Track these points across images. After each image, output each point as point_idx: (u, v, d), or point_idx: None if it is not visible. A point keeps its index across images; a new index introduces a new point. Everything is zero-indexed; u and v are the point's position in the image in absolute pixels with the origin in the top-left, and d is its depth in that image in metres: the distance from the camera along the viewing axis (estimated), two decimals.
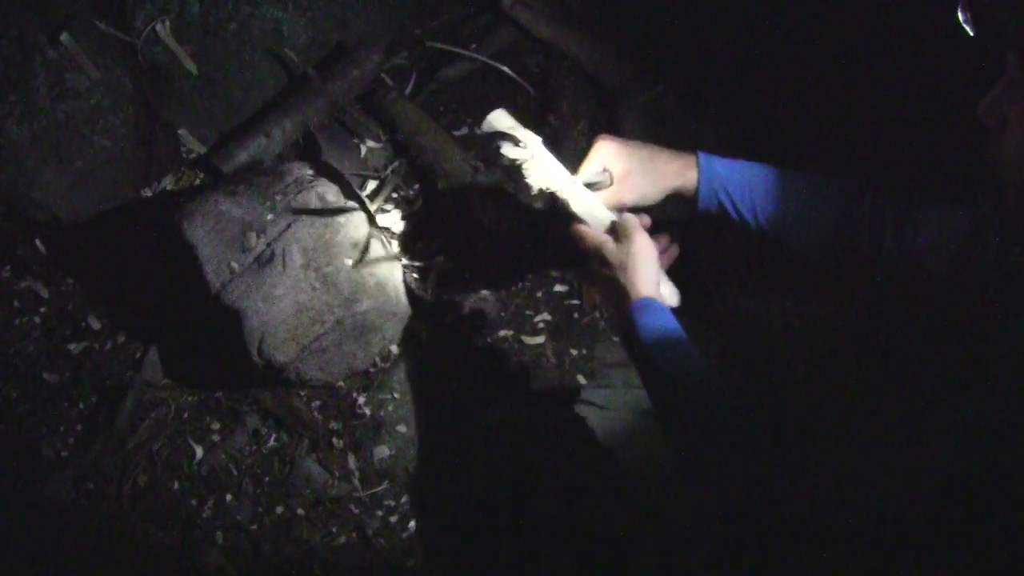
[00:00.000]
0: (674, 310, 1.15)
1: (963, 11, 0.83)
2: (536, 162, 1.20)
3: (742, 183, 1.20)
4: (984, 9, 0.82)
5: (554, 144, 1.91)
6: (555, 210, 1.27)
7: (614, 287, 1.15)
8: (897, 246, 1.14)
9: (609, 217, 1.21)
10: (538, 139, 1.20)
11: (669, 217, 1.43)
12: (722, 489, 1.00)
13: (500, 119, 1.20)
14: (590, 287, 1.32)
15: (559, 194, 1.21)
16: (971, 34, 0.84)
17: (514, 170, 1.22)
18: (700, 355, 1.07)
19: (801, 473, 0.92)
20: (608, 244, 1.18)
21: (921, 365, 1.27)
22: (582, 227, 1.20)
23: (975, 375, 0.85)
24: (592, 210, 1.21)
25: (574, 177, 1.21)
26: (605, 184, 1.23)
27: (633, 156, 1.23)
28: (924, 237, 1.12)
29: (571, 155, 1.90)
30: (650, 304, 1.11)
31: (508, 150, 1.20)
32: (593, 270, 1.19)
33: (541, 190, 1.22)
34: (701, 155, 1.21)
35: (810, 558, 0.90)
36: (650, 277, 1.14)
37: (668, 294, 1.22)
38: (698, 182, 1.21)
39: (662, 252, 1.20)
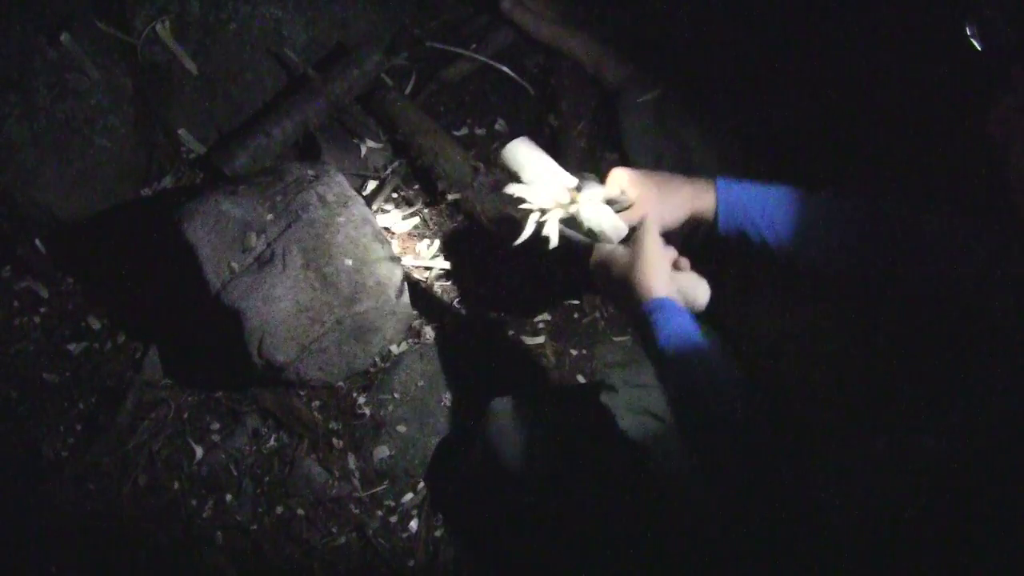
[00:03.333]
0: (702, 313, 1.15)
1: (970, 25, 0.84)
2: (549, 195, 1.23)
3: (763, 207, 1.19)
4: (990, 24, 0.82)
5: (554, 144, 1.92)
6: (570, 241, 1.30)
7: (628, 288, 1.14)
8: (925, 264, 1.13)
9: (625, 228, 1.22)
10: (550, 163, 1.25)
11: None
12: (730, 483, 1.00)
13: (516, 153, 1.25)
14: (608, 300, 1.31)
15: (573, 212, 1.23)
16: (978, 48, 0.84)
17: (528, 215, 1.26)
18: (718, 354, 1.07)
19: (807, 471, 0.92)
20: (617, 250, 1.18)
21: (922, 368, 1.28)
22: (597, 246, 1.22)
23: (976, 378, 0.85)
24: (606, 224, 1.22)
25: (590, 193, 1.22)
26: (625, 204, 1.23)
27: (647, 181, 1.23)
28: (950, 256, 1.11)
29: (571, 155, 1.91)
30: (664, 304, 1.11)
31: (519, 194, 1.24)
32: (606, 277, 1.19)
33: (562, 236, 1.25)
34: (720, 180, 1.21)
35: (815, 551, 0.90)
36: (662, 276, 1.14)
37: (698, 292, 1.20)
38: (717, 205, 1.20)
39: (673, 261, 1.20)
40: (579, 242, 1.28)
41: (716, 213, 1.20)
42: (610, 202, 1.23)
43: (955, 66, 1.32)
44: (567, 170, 1.27)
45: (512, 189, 1.26)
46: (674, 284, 1.16)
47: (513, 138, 1.29)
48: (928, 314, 1.24)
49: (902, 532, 0.84)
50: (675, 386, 1.08)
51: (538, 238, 1.26)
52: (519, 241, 1.26)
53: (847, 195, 1.19)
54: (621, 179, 1.24)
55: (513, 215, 1.28)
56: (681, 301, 1.15)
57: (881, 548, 0.85)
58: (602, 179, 1.26)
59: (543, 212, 1.25)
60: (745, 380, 1.07)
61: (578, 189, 1.23)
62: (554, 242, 1.24)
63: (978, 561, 0.80)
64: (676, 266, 1.19)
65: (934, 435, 0.84)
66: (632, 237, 1.19)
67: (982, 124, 0.86)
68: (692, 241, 1.28)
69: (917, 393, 1.20)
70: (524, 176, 1.26)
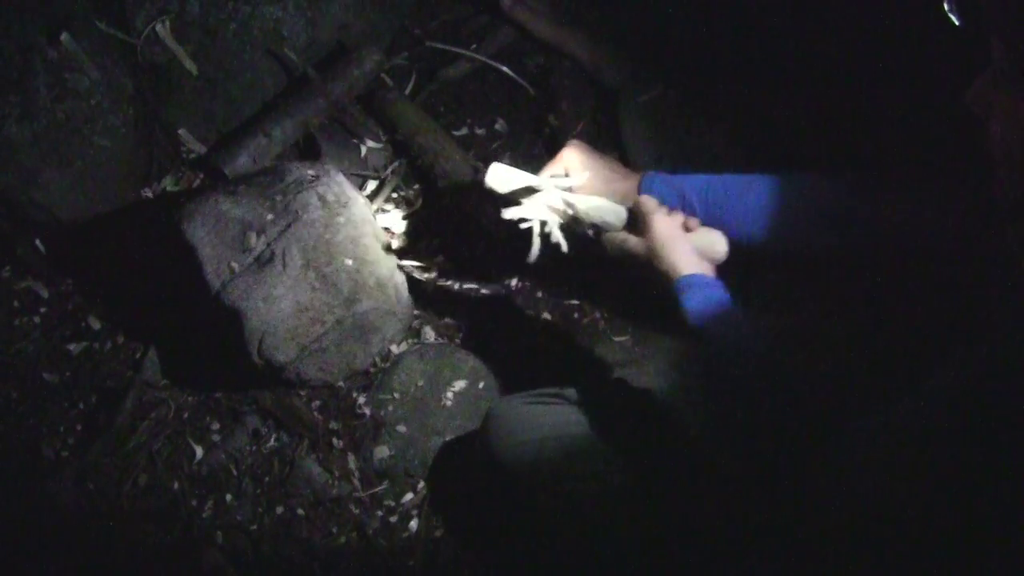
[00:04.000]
0: (724, 266, 1.18)
1: (948, 1, 0.84)
2: (544, 205, 1.27)
3: (684, 203, 1.24)
4: None
5: (554, 144, 1.92)
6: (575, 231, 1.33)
7: (654, 276, 1.16)
8: (877, 230, 1.14)
9: (624, 211, 1.24)
10: (535, 179, 1.27)
11: None
12: (757, 456, 1.02)
13: (497, 177, 1.28)
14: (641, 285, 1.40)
15: (574, 210, 1.25)
16: (957, 23, 0.84)
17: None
18: (750, 324, 1.08)
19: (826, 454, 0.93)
20: (630, 240, 1.19)
21: (919, 362, 1.27)
22: (604, 239, 1.25)
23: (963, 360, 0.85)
24: (606, 214, 1.24)
25: (574, 196, 1.26)
26: (575, 185, 1.28)
27: (593, 174, 1.28)
28: (905, 219, 1.13)
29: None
30: (692, 281, 1.12)
31: (517, 215, 1.27)
32: (632, 267, 1.21)
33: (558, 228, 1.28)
34: (644, 180, 1.26)
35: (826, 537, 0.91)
36: (683, 253, 1.16)
37: (714, 243, 1.22)
38: None
39: (683, 224, 1.21)
40: (588, 236, 1.30)
41: None
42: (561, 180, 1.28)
43: (947, 51, 1.32)
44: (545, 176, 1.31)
45: (509, 214, 1.29)
46: (693, 251, 1.17)
47: (512, 139, 1.31)
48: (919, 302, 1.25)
49: (898, 520, 0.84)
50: (712, 361, 1.09)
51: (548, 247, 1.30)
52: (532, 258, 1.30)
53: (793, 174, 1.21)
54: (570, 160, 1.29)
55: (517, 229, 1.32)
56: (704, 262, 1.17)
57: (877, 538, 0.86)
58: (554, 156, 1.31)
59: (543, 224, 1.28)
60: (778, 347, 1.08)
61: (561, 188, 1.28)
62: (565, 247, 1.28)
63: (972, 546, 0.80)
64: (687, 227, 1.21)
65: (924, 416, 0.84)
66: (639, 223, 1.20)
67: (963, 100, 0.86)
68: None
69: (911, 380, 1.20)
70: (514, 195, 1.29)
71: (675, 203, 1.24)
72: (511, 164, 1.31)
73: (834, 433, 0.94)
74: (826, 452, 0.93)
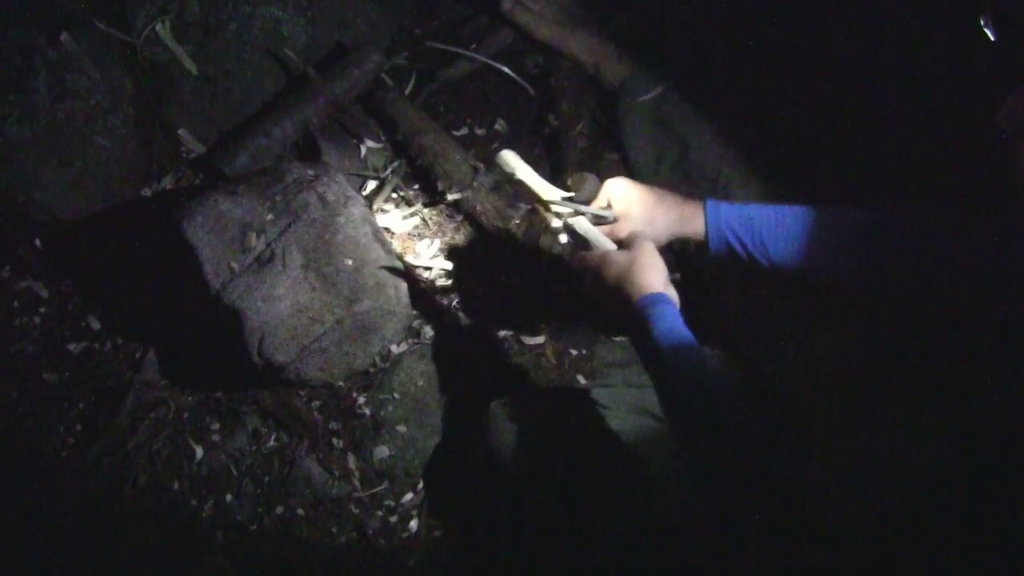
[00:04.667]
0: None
1: (984, 16, 0.84)
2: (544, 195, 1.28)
3: (751, 230, 1.21)
4: (1006, 13, 0.82)
5: (554, 144, 1.92)
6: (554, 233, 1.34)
7: (623, 286, 1.15)
8: (926, 271, 1.14)
9: (614, 247, 1.24)
10: (548, 189, 1.28)
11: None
12: (725, 483, 1.01)
13: (505, 161, 1.30)
14: (595, 302, 1.36)
15: (566, 220, 1.26)
16: (992, 38, 0.84)
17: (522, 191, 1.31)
18: (711, 353, 1.08)
19: (802, 472, 0.92)
20: (613, 251, 1.19)
21: (926, 369, 1.27)
22: (585, 253, 1.24)
23: (981, 382, 0.84)
24: (593, 236, 1.25)
25: (578, 208, 1.26)
26: (608, 220, 1.26)
27: (639, 200, 1.25)
28: (950, 261, 1.12)
29: (571, 155, 1.91)
30: (663, 298, 1.13)
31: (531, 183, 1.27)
32: (599, 278, 1.19)
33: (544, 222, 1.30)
34: (709, 202, 1.24)
35: (809, 555, 0.90)
36: (660, 274, 1.16)
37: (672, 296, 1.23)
38: (706, 228, 1.23)
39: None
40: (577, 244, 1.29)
41: (706, 236, 1.23)
42: (598, 218, 1.26)
43: (958, 60, 1.32)
44: (552, 178, 1.31)
45: (523, 176, 1.30)
46: (667, 277, 1.18)
47: (512, 139, 1.32)
48: (931, 318, 1.24)
49: (899, 535, 0.84)
50: (668, 379, 1.08)
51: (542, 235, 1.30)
52: (565, 241, 1.32)
53: (840, 209, 1.20)
54: (614, 191, 1.26)
55: (516, 216, 1.32)
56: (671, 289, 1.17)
57: (877, 549, 0.85)
58: (601, 182, 1.28)
59: (554, 215, 1.29)
60: (739, 378, 1.08)
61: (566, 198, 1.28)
62: (564, 239, 1.30)
63: (975, 565, 0.80)
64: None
65: (936, 439, 0.84)
66: (629, 243, 1.21)
67: (991, 116, 0.85)
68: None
69: (919, 395, 1.20)
70: (526, 191, 1.29)
71: (745, 232, 1.22)
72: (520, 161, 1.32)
73: (834, 450, 0.94)
74: (826, 467, 0.93)
